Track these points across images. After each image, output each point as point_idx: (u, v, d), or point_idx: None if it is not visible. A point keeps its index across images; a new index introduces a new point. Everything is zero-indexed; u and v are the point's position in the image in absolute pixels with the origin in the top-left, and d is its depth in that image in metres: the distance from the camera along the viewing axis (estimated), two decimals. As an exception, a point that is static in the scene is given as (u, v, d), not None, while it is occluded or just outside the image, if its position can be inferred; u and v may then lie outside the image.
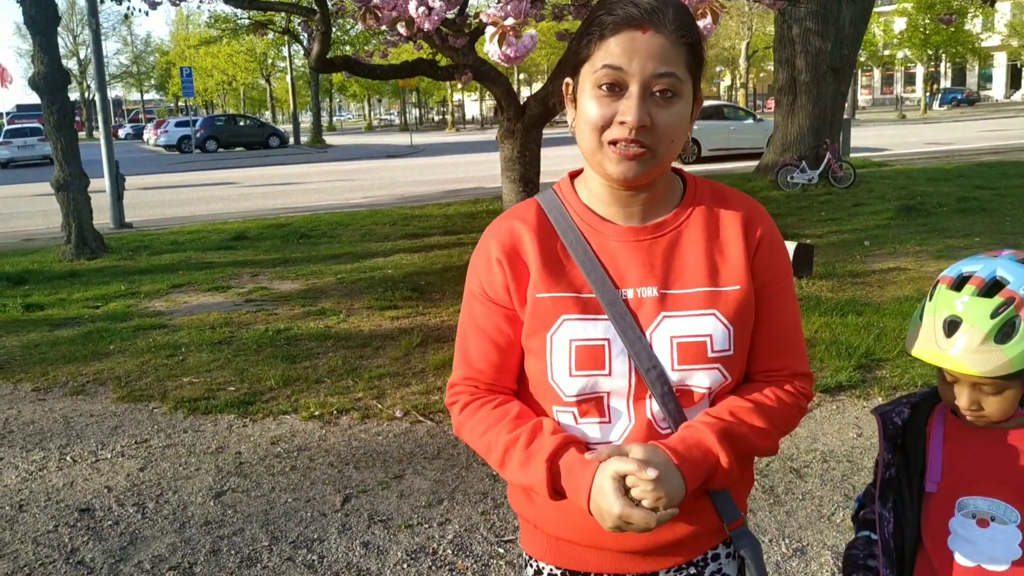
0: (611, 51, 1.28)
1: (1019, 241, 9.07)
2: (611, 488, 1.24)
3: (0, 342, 6.76)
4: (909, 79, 66.22)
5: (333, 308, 7.44)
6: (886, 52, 56.08)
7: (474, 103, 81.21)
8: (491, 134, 39.90)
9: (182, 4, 8.87)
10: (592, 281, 1.36)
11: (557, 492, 1.33)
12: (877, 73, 68.01)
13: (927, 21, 47.33)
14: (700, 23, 3.57)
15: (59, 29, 10.94)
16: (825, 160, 14.52)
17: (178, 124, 41.44)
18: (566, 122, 1.44)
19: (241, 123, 42.25)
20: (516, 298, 1.39)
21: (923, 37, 48.69)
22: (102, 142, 13.54)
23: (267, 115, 68.11)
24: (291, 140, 44.07)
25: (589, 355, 1.34)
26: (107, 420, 4.98)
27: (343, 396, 5.17)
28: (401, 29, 6.03)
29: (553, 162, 11.32)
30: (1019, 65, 60.45)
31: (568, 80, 1.40)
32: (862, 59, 49.86)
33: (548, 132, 9.47)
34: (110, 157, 13.32)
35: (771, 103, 29.97)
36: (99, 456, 4.45)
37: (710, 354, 1.34)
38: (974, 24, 51.13)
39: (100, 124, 13.74)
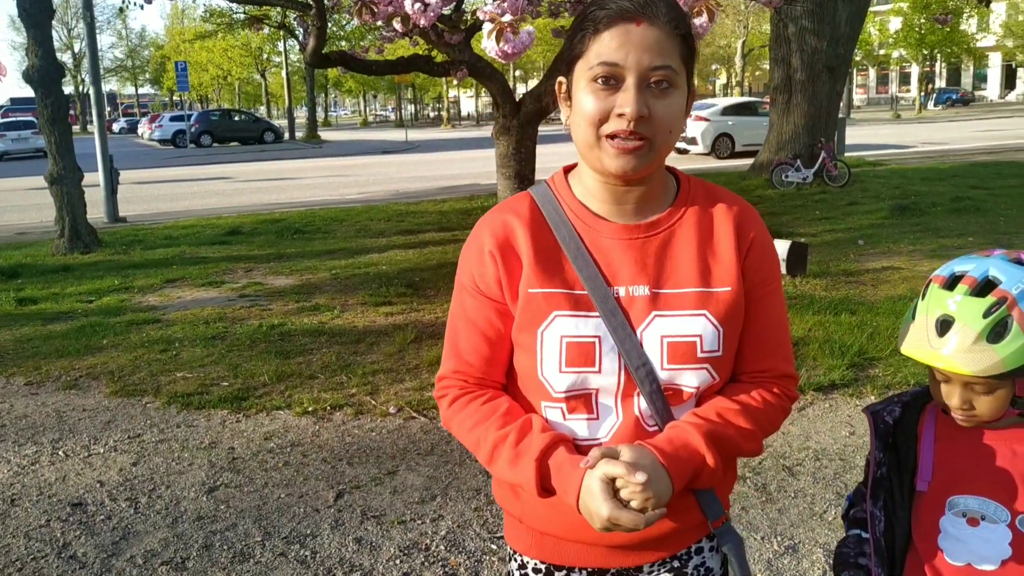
0: (606, 45, 1.28)
1: (1012, 241, 9.10)
2: (600, 490, 1.24)
3: (-7, 336, 6.74)
4: (904, 79, 66.33)
5: (327, 304, 7.43)
6: (881, 51, 56.18)
7: (470, 99, 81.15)
8: (487, 131, 39.88)
9: (177, -2, 8.84)
10: (584, 278, 1.36)
11: (546, 491, 1.34)
12: (872, 72, 68.14)
13: (923, 21, 47.41)
14: (696, 21, 3.56)
15: (54, 22, 10.91)
16: (820, 159, 14.54)
17: (173, 119, 41.33)
18: (561, 119, 1.44)
19: (236, 118, 42.16)
20: (508, 292, 1.39)
21: (918, 37, 48.76)
22: (96, 136, 13.50)
23: (262, 110, 67.93)
24: (286, 135, 43.96)
25: (579, 352, 1.34)
26: (100, 415, 4.97)
27: (337, 392, 5.16)
28: (397, 25, 6.02)
29: (548, 159, 11.31)
30: (1014, 66, 60.56)
31: (561, 79, 1.40)
32: (857, 58, 49.94)
33: (544, 129, 9.47)
34: (104, 151, 13.28)
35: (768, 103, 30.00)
36: (92, 451, 4.44)
37: (699, 354, 1.34)
38: (969, 24, 51.17)
39: (94, 118, 13.71)
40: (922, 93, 54.15)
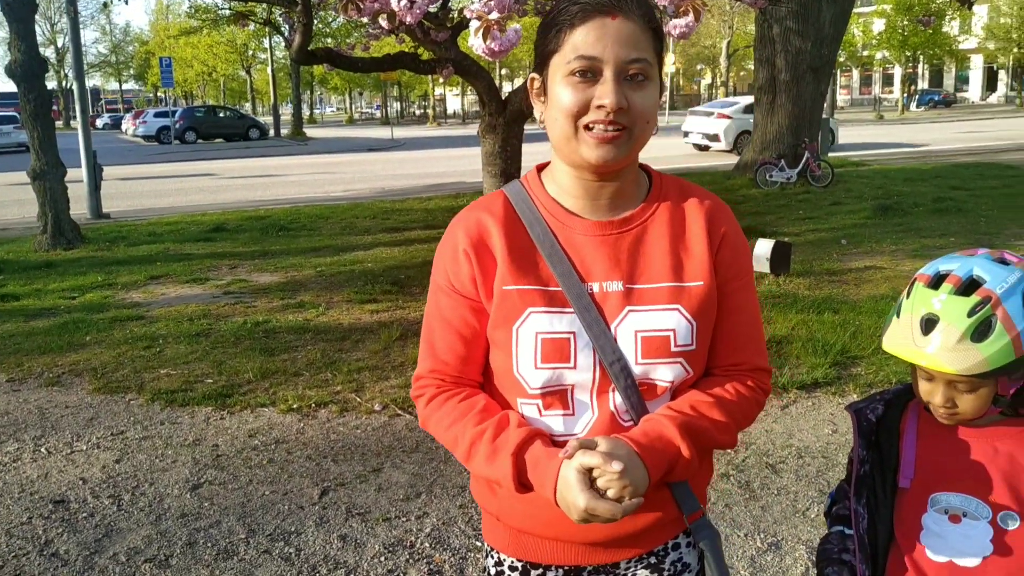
0: (582, 39, 1.30)
1: (993, 241, 9.18)
2: (576, 480, 1.25)
3: (-26, 332, 6.69)
4: (887, 80, 66.74)
5: (312, 301, 7.41)
6: (865, 53, 56.49)
7: (456, 97, 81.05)
8: (472, 129, 39.83)
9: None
10: (559, 274, 1.37)
11: (523, 485, 1.34)
12: (856, 73, 68.53)
13: (905, 22, 47.70)
14: (682, 21, 3.58)
15: (36, 17, 10.81)
16: (804, 159, 14.61)
17: (157, 115, 41.03)
18: (535, 116, 1.45)
19: (221, 114, 41.91)
20: (483, 290, 1.40)
21: (901, 38, 49.07)
22: (79, 131, 13.39)
23: (247, 107, 67.66)
24: (271, 132, 43.76)
25: (554, 348, 1.35)
26: (83, 411, 4.94)
27: (322, 389, 5.15)
28: (383, 22, 6.01)
29: (534, 158, 11.27)
30: (995, 68, 61.07)
31: (534, 75, 1.41)
32: (841, 59, 50.11)
33: (530, 128, 9.47)
34: (87, 147, 13.19)
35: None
36: (74, 448, 4.42)
37: (673, 348, 1.36)
38: (951, 26, 51.56)
39: (78, 113, 13.59)
40: (905, 94, 54.52)
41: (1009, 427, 1.47)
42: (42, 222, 10.70)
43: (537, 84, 1.40)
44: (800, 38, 14.53)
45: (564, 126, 1.32)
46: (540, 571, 1.48)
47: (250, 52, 57.38)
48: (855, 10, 21.47)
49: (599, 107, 1.29)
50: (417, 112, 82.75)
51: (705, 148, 23.58)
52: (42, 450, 4.39)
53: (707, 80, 70.09)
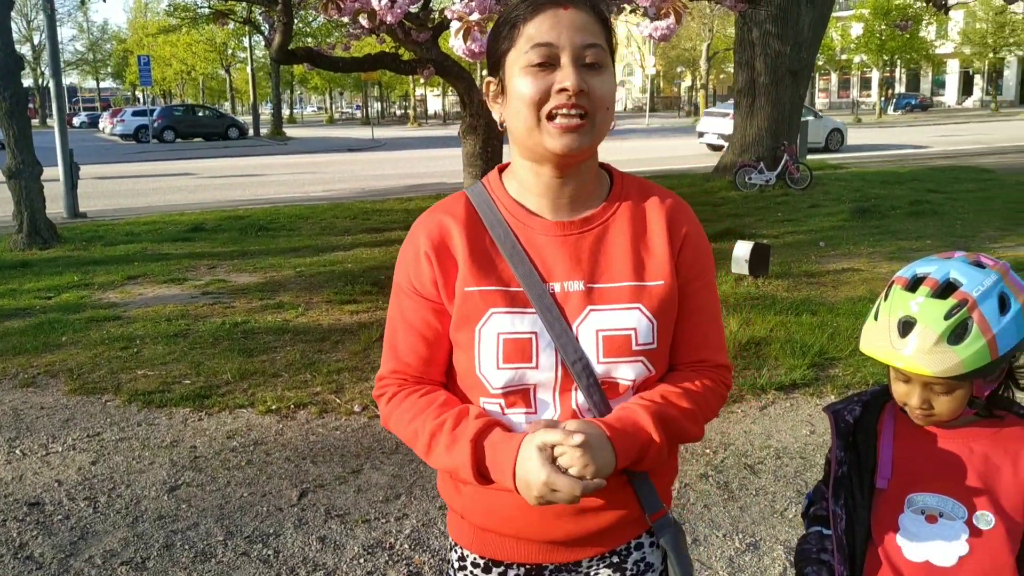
0: (537, 29, 1.32)
1: (969, 244, 9.28)
2: (537, 455, 1.25)
3: (-53, 332, 6.60)
4: (865, 83, 67.31)
5: (292, 302, 7.38)
6: (843, 56, 56.93)
7: (437, 98, 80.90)
8: (453, 129, 39.77)
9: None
10: (520, 275, 1.38)
11: (482, 474, 1.34)
12: (834, 77, 69.06)
13: (883, 27, 48.14)
14: (663, 23, 3.59)
15: (12, 14, 10.69)
16: (782, 162, 14.70)
17: (135, 113, 40.68)
18: (495, 118, 1.45)
19: (200, 113, 41.63)
20: (444, 292, 1.41)
21: (879, 43, 49.49)
22: (56, 130, 13.26)
23: (227, 106, 67.19)
24: (251, 132, 43.51)
25: (516, 348, 1.36)
26: (58, 413, 4.89)
27: (301, 390, 5.13)
28: (363, 21, 5.98)
29: (515, 159, 11.32)
30: (971, 72, 61.73)
31: (489, 79, 1.42)
32: (820, 63, 50.54)
33: (510, 128, 9.46)
34: (64, 145, 13.05)
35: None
36: (50, 449, 4.37)
37: (634, 347, 1.37)
38: (928, 31, 52.09)
39: (54, 111, 13.46)
40: (882, 98, 54.99)
41: (984, 428, 1.49)
42: (17, 221, 10.58)
43: (494, 87, 1.41)
44: (779, 42, 14.62)
45: (527, 117, 1.33)
46: (502, 569, 1.49)
47: (230, 51, 57.02)
48: (834, 14, 21.66)
49: (560, 91, 1.30)
50: (398, 112, 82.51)
51: (720, 148, 23.77)
52: (17, 452, 4.35)
53: (687, 83, 70.42)
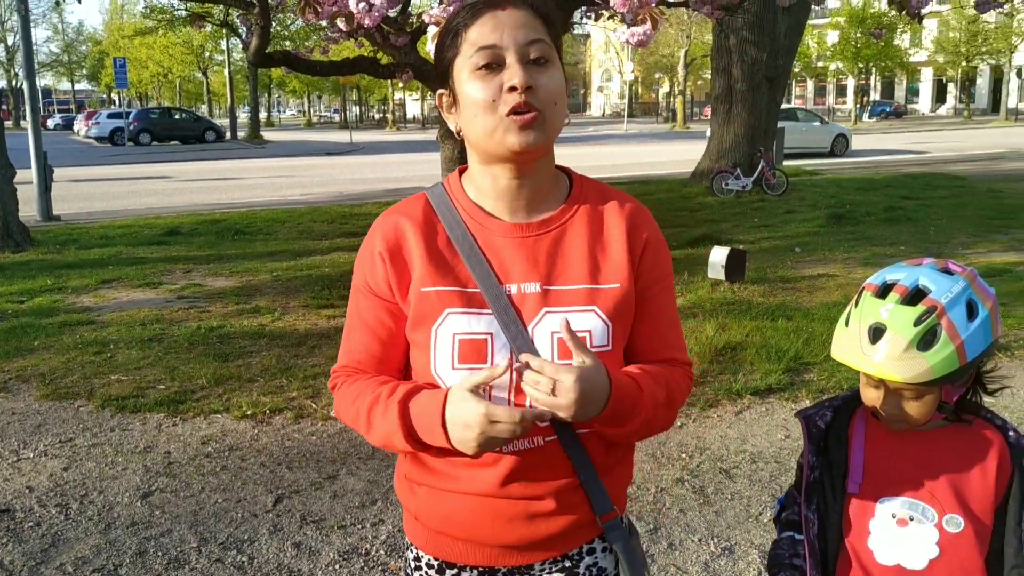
0: (478, 33, 1.33)
1: (942, 250, 9.38)
2: (469, 395, 1.25)
3: (-84, 337, 6.51)
4: (841, 91, 67.92)
5: (268, 306, 7.34)
6: (819, 64, 57.50)
7: (415, 102, 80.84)
8: (432, 134, 39.74)
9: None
10: (477, 276, 1.39)
11: (414, 438, 1.34)
12: (810, 84, 69.62)
13: (859, 35, 48.68)
14: (640, 28, 3.61)
15: (-15, 14, 10.57)
16: (759, 168, 14.81)
17: (110, 116, 40.32)
18: (452, 130, 1.46)
19: (176, 116, 41.33)
20: (398, 293, 1.42)
21: (855, 50, 50.05)
22: (30, 132, 13.12)
23: (204, 109, 66.73)
24: (228, 135, 43.25)
25: (472, 349, 1.36)
26: (30, 418, 4.83)
27: (277, 395, 5.10)
28: (341, 24, 5.98)
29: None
30: (944, 80, 62.48)
31: (441, 91, 1.43)
32: (796, 70, 51.02)
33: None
34: (38, 147, 12.92)
35: (707, 111, 30.68)
36: (20, 455, 4.32)
37: (589, 349, 1.37)
38: (903, 40, 52.68)
39: (28, 113, 13.32)
40: (857, 105, 55.54)
41: (953, 432, 1.51)
42: (-11, 224, 10.46)
43: (447, 98, 1.42)
44: (756, 49, 14.74)
45: (485, 120, 1.34)
46: (456, 571, 1.50)
47: (207, 54, 56.60)
48: (810, 22, 21.88)
49: (510, 89, 1.31)
50: (376, 116, 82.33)
51: None
52: (-13, 458, 4.29)
53: (665, 89, 70.73)
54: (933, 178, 16.98)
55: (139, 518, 3.62)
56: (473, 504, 1.41)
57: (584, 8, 8.95)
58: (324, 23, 6.41)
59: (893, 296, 1.44)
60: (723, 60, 15.28)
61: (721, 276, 7.74)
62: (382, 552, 3.33)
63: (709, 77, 19.54)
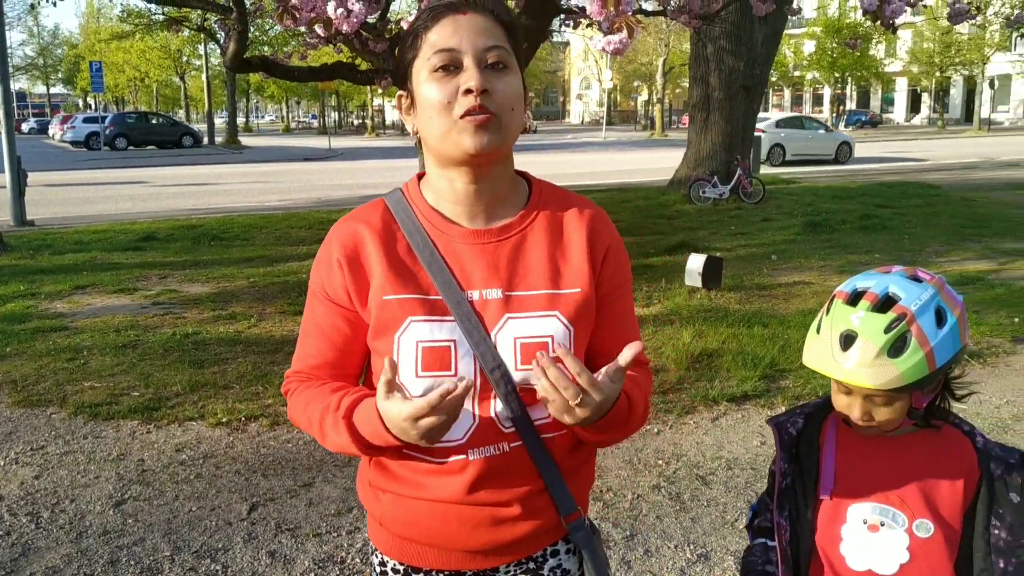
0: (438, 36, 1.34)
1: (916, 258, 9.48)
2: (387, 403, 1.22)
3: None
4: (817, 100, 68.49)
5: (244, 312, 7.29)
6: (796, 73, 57.99)
7: (394, 108, 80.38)
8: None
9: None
10: (438, 283, 1.39)
11: (367, 446, 1.34)
12: (787, 93, 70.19)
13: (835, 45, 49.17)
14: (616, 37, 3.63)
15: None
16: (736, 176, 14.90)
17: (86, 120, 39.91)
18: (409, 131, 1.47)
19: (153, 121, 41.02)
20: (356, 300, 1.42)
21: (831, 60, 50.54)
22: (3, 136, 12.98)
23: (181, 114, 66.33)
24: (205, 140, 42.98)
25: (435, 356, 1.36)
26: (1, 426, 4.76)
27: (252, 402, 5.06)
28: (319, 30, 5.96)
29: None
30: (919, 90, 63.20)
31: (400, 93, 1.44)
32: (773, 79, 51.45)
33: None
34: (12, 152, 12.78)
35: (686, 119, 30.90)
36: (-9, 463, 4.26)
37: (551, 354, 1.38)
38: (878, 50, 53.29)
39: (1, 117, 13.16)
40: (834, 114, 56.07)
41: (922, 438, 1.53)
42: (-39, 229, 10.34)
43: (406, 101, 1.43)
44: (733, 58, 14.84)
45: (440, 121, 1.34)
46: (421, 575, 1.50)
47: (184, 58, 56.33)
48: (786, 31, 22.08)
49: (466, 92, 1.31)
50: (355, 122, 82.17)
51: None
52: (-44, 466, 4.23)
53: (643, 97, 71.07)
54: (907, 187, 17.16)
55: (112, 527, 3.58)
56: (439, 511, 1.42)
57: (563, 16, 8.99)
58: (303, 29, 6.39)
59: (864, 303, 1.45)
60: (701, 69, 15.38)
61: (698, 283, 7.78)
62: (357, 560, 3.32)
63: (687, 85, 19.65)
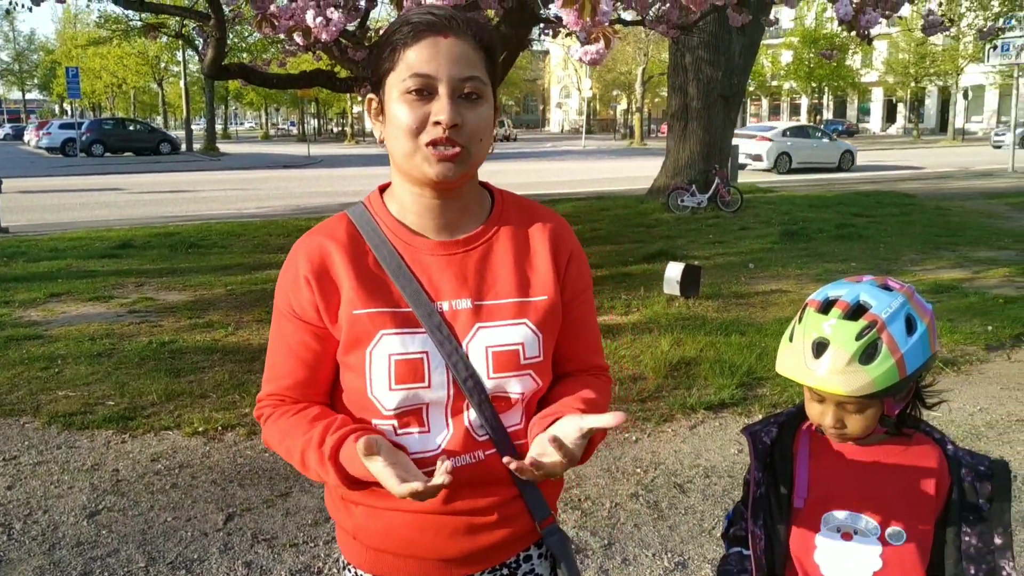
0: (416, 57, 1.33)
1: (891, 267, 9.57)
2: (371, 465, 1.25)
3: None
4: (795, 109, 69.09)
5: (221, 321, 7.24)
6: (774, 83, 58.56)
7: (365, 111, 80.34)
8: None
9: (69, 1, 8.55)
10: (408, 295, 1.39)
11: (356, 483, 1.35)
12: (765, 102, 70.80)
13: (811, 55, 49.66)
14: (593, 47, 3.65)
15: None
16: (714, 185, 15.00)
17: (62, 126, 39.56)
18: (375, 136, 1.47)
19: (131, 127, 40.66)
20: (326, 316, 1.41)
21: (808, 70, 51.08)
22: (-23, 142, 12.86)
23: (159, 120, 65.87)
24: (183, 147, 42.69)
25: (408, 369, 1.37)
26: (-27, 436, 4.71)
27: (229, 411, 5.03)
28: (298, 38, 5.95)
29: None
30: (894, 100, 63.91)
31: (371, 96, 1.43)
32: (751, 88, 51.89)
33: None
34: (-15, 158, 12.66)
35: (665, 128, 31.12)
36: (-38, 474, 4.20)
37: (523, 361, 1.40)
38: (854, 60, 53.91)
39: (-25, 123, 13.04)
40: (811, 124, 56.56)
41: (893, 446, 1.54)
42: (-66, 236, 10.21)
43: (375, 105, 1.43)
44: (711, 67, 14.95)
45: (405, 144, 1.35)
46: None
47: (162, 64, 55.97)
48: (764, 42, 22.28)
49: (436, 123, 1.32)
50: (335, 129, 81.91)
51: (743, 167, 24.34)
52: (-73, 476, 4.17)
53: (623, 106, 71.40)
54: (883, 196, 17.34)
55: (85, 538, 3.55)
56: (415, 521, 1.42)
57: (542, 25, 9.02)
58: (282, 36, 6.38)
59: (835, 311, 1.47)
60: (679, 78, 15.48)
61: (676, 291, 7.82)
62: (334, 571, 3.30)
63: (666, 95, 19.78)
